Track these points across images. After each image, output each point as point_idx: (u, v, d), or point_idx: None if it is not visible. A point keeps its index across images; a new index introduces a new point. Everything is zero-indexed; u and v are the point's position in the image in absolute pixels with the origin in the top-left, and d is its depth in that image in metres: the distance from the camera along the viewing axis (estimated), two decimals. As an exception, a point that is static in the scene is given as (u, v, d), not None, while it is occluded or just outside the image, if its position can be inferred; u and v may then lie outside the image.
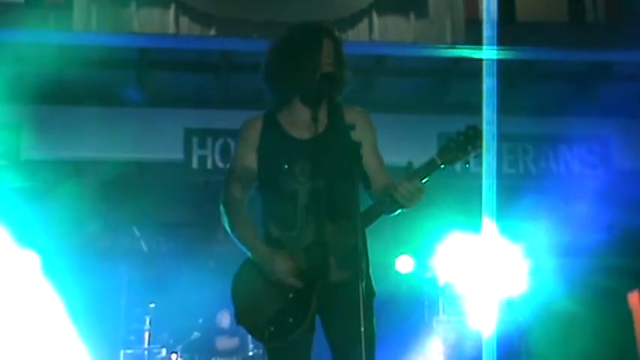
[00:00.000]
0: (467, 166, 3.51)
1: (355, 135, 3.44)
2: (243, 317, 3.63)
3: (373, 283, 3.62)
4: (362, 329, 3.12)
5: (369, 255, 3.66)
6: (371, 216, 3.55)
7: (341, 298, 3.42)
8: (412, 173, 3.43)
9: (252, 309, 3.60)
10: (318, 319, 3.62)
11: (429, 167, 3.45)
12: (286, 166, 3.64)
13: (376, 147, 3.79)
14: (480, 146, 3.46)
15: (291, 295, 3.53)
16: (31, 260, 8.74)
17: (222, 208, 3.75)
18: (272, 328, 3.51)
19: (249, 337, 8.02)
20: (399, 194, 3.40)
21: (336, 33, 3.85)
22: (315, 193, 3.56)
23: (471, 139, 3.44)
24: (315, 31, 3.77)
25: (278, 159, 3.67)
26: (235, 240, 3.69)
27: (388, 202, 3.47)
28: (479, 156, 3.51)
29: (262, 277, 3.58)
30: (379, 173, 3.70)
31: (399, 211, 3.55)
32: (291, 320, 3.50)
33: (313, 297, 3.51)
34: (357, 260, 3.24)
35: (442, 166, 3.43)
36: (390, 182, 3.61)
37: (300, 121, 3.70)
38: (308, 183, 3.58)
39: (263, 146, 3.74)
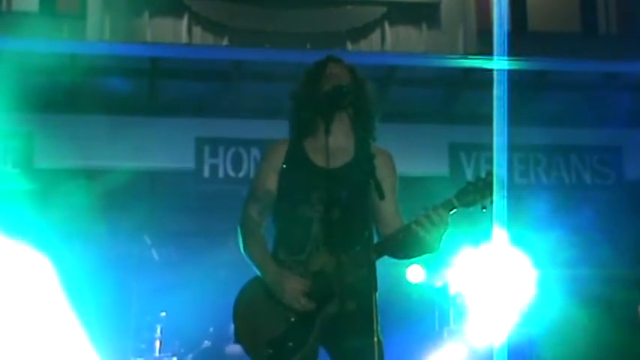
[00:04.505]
0: (483, 210, 3.47)
1: (377, 173, 3.40)
2: (243, 335, 3.59)
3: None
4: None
5: (380, 265, 3.53)
6: (383, 249, 3.55)
7: (348, 328, 3.44)
8: (429, 209, 3.43)
9: (253, 328, 3.56)
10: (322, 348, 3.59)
11: (445, 207, 3.45)
12: (304, 193, 3.63)
13: (395, 192, 3.76)
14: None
15: (292, 319, 3.49)
16: (44, 266, 8.80)
17: (239, 229, 3.74)
18: (270, 351, 3.47)
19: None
20: (417, 224, 3.42)
21: (343, 61, 3.87)
22: (329, 223, 3.54)
23: (490, 184, 3.44)
24: (321, 60, 3.84)
25: (297, 184, 3.67)
26: (247, 260, 3.67)
27: (405, 234, 3.47)
28: (492, 202, 3.49)
29: (267, 297, 3.55)
30: (395, 217, 3.69)
31: (412, 255, 3.62)
32: (290, 344, 3.46)
33: (316, 324, 3.48)
34: (363, 291, 3.26)
35: (454, 209, 3.44)
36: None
37: (323, 150, 3.64)
38: (323, 212, 3.57)
39: (285, 170, 3.72)
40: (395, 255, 3.63)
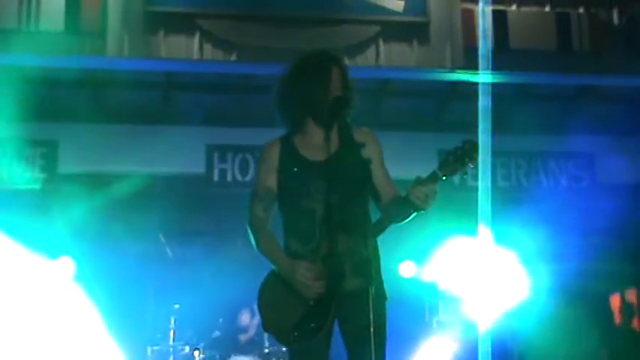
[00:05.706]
0: (465, 176, 3.63)
1: (364, 152, 3.74)
2: (270, 325, 3.79)
3: (385, 287, 3.81)
4: (372, 329, 3.35)
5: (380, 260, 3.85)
6: (383, 224, 3.73)
7: (356, 303, 3.54)
8: (420, 181, 3.54)
9: (278, 317, 3.72)
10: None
11: (432, 179, 3.54)
12: (303, 187, 3.78)
13: (383, 162, 3.93)
14: (476, 158, 3.53)
15: (311, 302, 3.65)
16: (66, 266, 9.03)
17: (248, 228, 3.90)
18: (296, 333, 3.65)
19: (265, 334, 8.20)
20: (414, 196, 3.51)
21: (343, 61, 4.01)
22: (330, 209, 3.66)
23: (467, 151, 3.50)
24: (324, 60, 3.90)
25: (295, 180, 3.82)
26: (261, 254, 3.84)
27: (404, 205, 3.59)
28: (476, 168, 3.74)
29: (286, 287, 3.70)
30: (387, 186, 3.86)
31: (410, 217, 3.66)
32: (313, 325, 3.63)
33: (332, 303, 3.64)
34: (368, 268, 3.47)
35: (444, 177, 3.51)
36: (398, 193, 3.77)
37: (313, 144, 3.82)
38: (323, 200, 3.69)
39: (282, 168, 3.87)
40: (393, 224, 3.76)
